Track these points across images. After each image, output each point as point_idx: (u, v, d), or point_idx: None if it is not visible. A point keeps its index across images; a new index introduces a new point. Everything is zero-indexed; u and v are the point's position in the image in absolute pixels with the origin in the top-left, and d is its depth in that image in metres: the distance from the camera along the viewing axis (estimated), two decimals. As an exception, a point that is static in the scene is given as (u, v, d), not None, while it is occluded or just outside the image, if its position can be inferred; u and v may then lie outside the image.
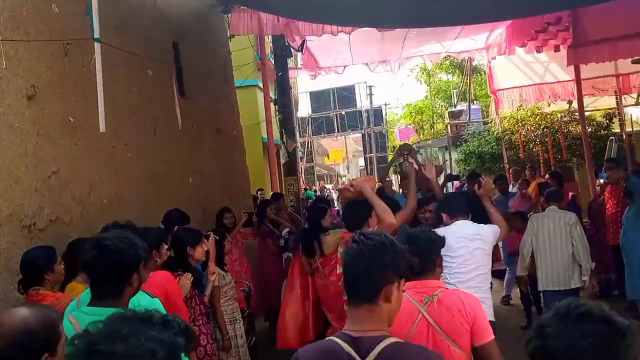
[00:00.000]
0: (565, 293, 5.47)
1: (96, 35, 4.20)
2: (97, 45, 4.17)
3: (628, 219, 6.02)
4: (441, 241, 3.00)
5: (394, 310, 1.98)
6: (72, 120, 4.59)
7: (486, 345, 2.70)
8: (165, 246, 3.20)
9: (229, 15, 8.61)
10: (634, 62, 6.31)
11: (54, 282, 3.50)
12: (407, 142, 8.68)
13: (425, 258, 2.82)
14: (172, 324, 1.34)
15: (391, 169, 13.02)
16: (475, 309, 2.74)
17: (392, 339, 1.89)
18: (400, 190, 8.25)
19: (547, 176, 9.46)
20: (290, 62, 11.92)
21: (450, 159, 19.56)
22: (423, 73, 27.58)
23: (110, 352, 1.25)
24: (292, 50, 10.38)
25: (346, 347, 1.86)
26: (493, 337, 2.74)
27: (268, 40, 11.11)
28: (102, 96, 4.25)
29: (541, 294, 6.21)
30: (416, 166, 6.07)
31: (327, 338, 2.00)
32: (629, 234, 5.96)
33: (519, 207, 8.40)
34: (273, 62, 11.21)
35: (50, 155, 4.31)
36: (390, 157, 27.01)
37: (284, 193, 10.28)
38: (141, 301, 2.83)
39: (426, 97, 29.25)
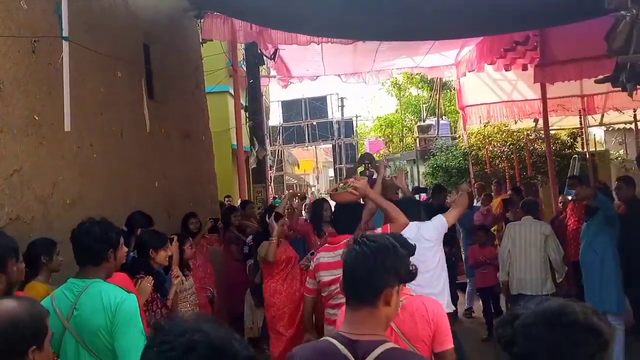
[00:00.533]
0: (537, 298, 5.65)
1: (65, 34, 4.16)
2: (65, 44, 4.13)
3: (589, 235, 6.14)
4: (412, 248, 3.02)
5: (392, 315, 2.00)
6: (37, 118, 4.52)
7: (444, 352, 2.74)
8: (125, 248, 3.20)
9: (202, 20, 8.60)
10: (596, 81, 6.47)
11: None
12: (369, 152, 8.83)
13: None
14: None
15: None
16: (438, 315, 2.78)
17: (390, 344, 1.90)
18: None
19: (509, 192, 9.65)
20: (263, 70, 11.93)
21: (418, 172, 19.78)
22: (394, 87, 27.88)
23: None
24: (265, 58, 10.40)
25: (343, 349, 1.87)
26: (452, 345, 2.78)
27: (240, 47, 11.11)
28: (69, 95, 4.20)
29: (510, 300, 6.51)
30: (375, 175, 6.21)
31: (323, 338, 2.01)
32: (590, 249, 6.08)
33: (483, 221, 8.55)
34: (245, 69, 11.21)
35: (12, 153, 4.24)
36: (360, 169, 27.21)
37: (252, 200, 10.26)
38: (117, 295, 2.84)
39: (396, 110, 29.55)
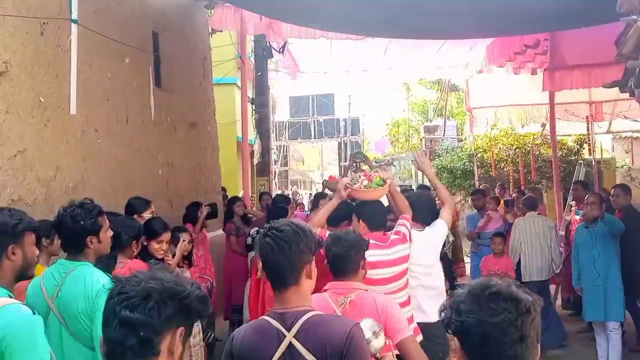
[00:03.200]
0: (541, 283, 6.85)
1: (74, 16, 4.17)
2: (74, 27, 4.14)
3: (592, 244, 6.10)
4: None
5: (313, 283, 2.21)
6: (42, 100, 4.53)
7: (402, 341, 2.79)
8: (111, 232, 3.18)
9: (212, 10, 8.59)
10: (605, 86, 6.44)
11: None
12: (360, 152, 8.85)
13: (348, 260, 2.92)
14: (197, 284, 1.57)
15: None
16: (387, 309, 2.85)
17: (314, 312, 2.11)
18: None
19: (513, 194, 9.61)
20: (271, 64, 11.91)
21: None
22: (402, 86, 27.81)
23: (144, 279, 1.49)
24: (273, 51, 10.38)
25: (274, 322, 2.08)
26: (410, 333, 2.85)
27: (249, 39, 11.10)
28: (75, 79, 4.21)
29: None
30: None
31: (259, 317, 2.22)
32: (595, 258, 6.07)
33: (495, 227, 8.32)
34: (253, 62, 11.20)
35: (17, 134, 4.25)
36: (365, 168, 27.14)
37: (253, 193, 10.27)
38: (100, 281, 2.84)
39: (404, 110, 29.50)
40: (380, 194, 4.10)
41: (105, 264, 3.23)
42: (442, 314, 1.60)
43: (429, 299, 4.07)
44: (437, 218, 4.40)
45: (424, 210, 4.38)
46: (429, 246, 4.21)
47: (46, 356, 2.23)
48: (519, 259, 6.97)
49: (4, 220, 2.46)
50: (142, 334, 1.42)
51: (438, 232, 4.30)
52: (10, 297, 2.40)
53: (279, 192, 16.91)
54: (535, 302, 1.53)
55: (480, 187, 11.89)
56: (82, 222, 2.92)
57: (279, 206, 6.50)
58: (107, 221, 3.11)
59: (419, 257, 4.08)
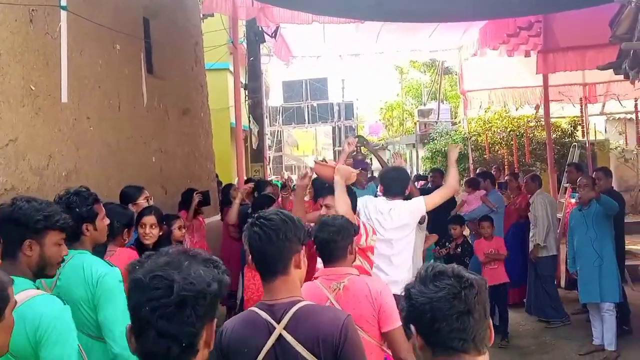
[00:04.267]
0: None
1: (63, 3, 4.12)
2: (63, 14, 4.09)
3: (587, 225, 6.15)
4: (353, 229, 3.05)
5: (303, 275, 2.21)
6: (33, 88, 4.49)
7: (392, 331, 2.81)
8: (107, 220, 3.19)
9: (203, -6, 8.49)
10: (599, 68, 6.45)
11: None
12: (361, 135, 8.79)
13: (335, 245, 2.90)
14: (217, 263, 1.49)
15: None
16: (382, 295, 2.85)
17: (304, 302, 2.09)
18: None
19: (506, 177, 9.65)
20: (264, 49, 11.84)
21: (417, 156, 19.77)
22: (396, 70, 27.75)
23: (170, 279, 1.37)
24: (266, 36, 10.32)
25: (263, 314, 2.06)
26: (399, 324, 2.82)
27: (241, 24, 11.02)
28: (66, 66, 4.18)
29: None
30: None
31: (248, 309, 2.19)
32: (589, 240, 6.12)
33: (470, 209, 8.44)
34: (245, 47, 11.13)
35: (8, 123, 4.21)
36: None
37: (252, 178, 10.23)
38: (99, 268, 2.84)
39: (398, 94, 29.44)
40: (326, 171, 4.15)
41: (95, 251, 3.21)
42: (401, 308, 1.66)
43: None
44: (407, 192, 4.52)
45: (393, 184, 4.47)
46: (393, 217, 4.27)
47: (76, 346, 2.30)
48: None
49: (25, 212, 2.40)
50: (184, 343, 1.40)
51: (409, 206, 4.35)
52: (38, 288, 2.43)
53: (273, 178, 16.86)
54: (479, 280, 1.60)
55: (478, 170, 11.94)
56: (77, 210, 2.92)
57: (265, 195, 6.48)
58: (103, 209, 3.11)
59: (380, 223, 4.19)
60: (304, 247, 2.19)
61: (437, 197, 4.43)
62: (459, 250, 6.85)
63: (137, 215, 4.29)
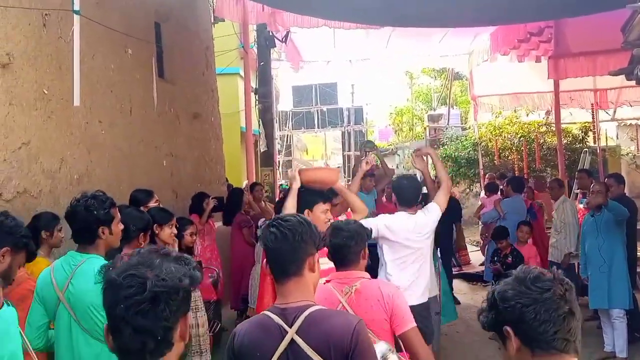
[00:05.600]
0: None
1: (76, 7, 4.15)
2: (76, 18, 4.12)
3: (598, 231, 6.08)
4: (365, 234, 3.04)
5: (317, 279, 2.21)
6: (46, 92, 4.53)
7: (406, 333, 2.78)
8: (122, 225, 3.21)
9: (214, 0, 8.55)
10: (611, 74, 6.41)
11: None
12: (371, 140, 8.72)
13: (347, 250, 2.90)
14: (188, 260, 1.52)
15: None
16: (393, 298, 2.83)
17: (316, 307, 2.08)
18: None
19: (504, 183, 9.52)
20: (274, 53, 11.87)
21: (427, 161, 19.69)
22: (406, 75, 27.71)
23: (143, 276, 1.41)
24: (276, 41, 10.35)
25: (276, 318, 2.06)
26: (414, 324, 2.82)
27: (252, 29, 11.06)
28: (79, 70, 4.20)
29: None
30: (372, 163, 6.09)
31: (261, 312, 2.17)
32: (599, 246, 6.06)
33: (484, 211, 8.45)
34: (256, 52, 11.16)
35: (21, 126, 4.26)
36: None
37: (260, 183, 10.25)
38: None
39: (407, 99, 29.40)
40: (327, 174, 4.15)
41: (110, 255, 3.21)
42: (481, 318, 1.65)
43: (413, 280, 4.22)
44: (420, 199, 4.58)
45: (407, 193, 4.49)
46: (420, 230, 4.30)
47: (17, 347, 2.32)
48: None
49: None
50: (159, 337, 1.43)
51: (431, 216, 4.38)
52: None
53: (282, 183, 16.84)
54: (574, 287, 1.62)
55: (487, 176, 11.89)
56: (95, 212, 2.93)
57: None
58: (119, 214, 3.13)
59: (410, 239, 4.22)
60: (318, 252, 2.19)
61: (443, 198, 4.52)
62: (510, 259, 6.73)
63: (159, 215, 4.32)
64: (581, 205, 6.36)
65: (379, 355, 2.39)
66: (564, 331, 1.56)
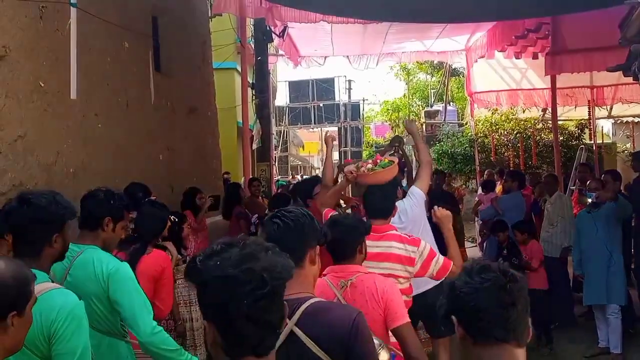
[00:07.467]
0: None
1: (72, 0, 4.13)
2: (73, 11, 4.10)
3: (597, 227, 6.07)
4: (364, 227, 3.04)
5: (317, 272, 2.24)
6: (42, 85, 4.50)
7: (399, 327, 2.78)
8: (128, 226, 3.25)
9: (212, -7, 8.50)
10: (608, 70, 6.41)
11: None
12: (399, 135, 8.66)
13: (344, 244, 2.90)
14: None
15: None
16: (387, 293, 2.84)
17: (316, 299, 2.10)
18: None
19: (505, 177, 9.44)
20: (271, 48, 11.83)
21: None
22: (403, 71, 27.66)
23: (260, 270, 1.41)
24: (273, 35, 10.30)
25: None
26: (408, 320, 2.82)
27: (249, 23, 11.01)
28: (75, 63, 4.18)
29: None
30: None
31: None
32: (599, 242, 6.06)
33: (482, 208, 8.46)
34: (253, 47, 11.12)
35: (17, 119, 4.23)
36: (365, 153, 27.00)
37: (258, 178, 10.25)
38: (109, 264, 2.87)
39: (404, 95, 29.35)
40: (387, 175, 3.90)
41: (136, 250, 3.53)
42: (438, 308, 1.72)
43: None
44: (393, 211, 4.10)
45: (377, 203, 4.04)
46: (409, 215, 4.26)
47: (88, 341, 2.33)
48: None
49: (52, 210, 2.45)
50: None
51: (414, 199, 4.34)
52: (53, 281, 2.48)
53: (278, 179, 16.85)
54: (522, 277, 1.67)
55: (486, 173, 11.89)
56: (110, 202, 2.97)
57: (282, 194, 6.53)
58: (129, 220, 3.15)
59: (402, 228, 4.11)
60: (318, 246, 2.21)
61: (424, 179, 4.46)
62: (505, 252, 6.70)
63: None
64: (589, 199, 6.18)
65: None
66: (503, 321, 1.60)
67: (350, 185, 4.46)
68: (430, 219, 4.19)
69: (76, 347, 2.25)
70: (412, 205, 4.33)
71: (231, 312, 1.39)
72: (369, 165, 3.95)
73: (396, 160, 4.08)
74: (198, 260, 1.44)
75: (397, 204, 3.98)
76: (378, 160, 4.02)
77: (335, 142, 29.52)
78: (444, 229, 3.66)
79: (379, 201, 3.74)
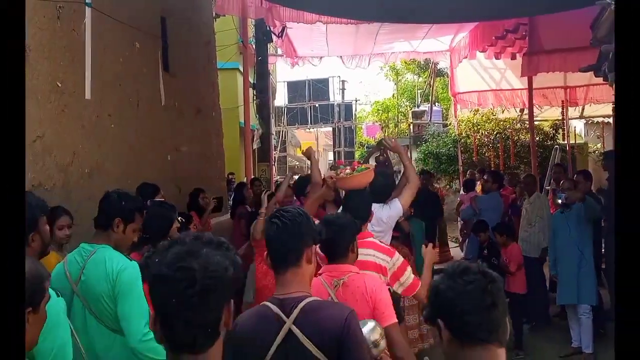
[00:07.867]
0: None
1: (88, -1, 3.98)
2: (87, 10, 3.94)
3: (568, 227, 5.89)
4: (355, 227, 2.95)
5: (313, 271, 2.22)
6: (60, 85, 4.30)
7: (386, 328, 2.68)
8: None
9: (216, -6, 8.26)
10: (580, 70, 6.27)
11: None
12: (382, 137, 8.48)
13: (337, 243, 2.81)
14: (228, 246, 1.42)
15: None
16: (376, 292, 2.75)
17: (312, 298, 2.09)
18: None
19: (485, 176, 9.22)
20: (270, 48, 11.61)
21: (411, 157, 19.53)
22: (392, 71, 27.42)
23: (192, 269, 1.31)
24: (273, 35, 10.10)
25: (274, 308, 2.06)
26: (395, 320, 2.74)
27: (251, 24, 10.81)
28: (90, 62, 4.04)
29: None
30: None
31: (261, 303, 2.16)
32: (570, 242, 5.86)
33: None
34: (254, 47, 10.91)
35: (35, 119, 4.02)
36: (357, 153, 26.73)
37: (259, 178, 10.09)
38: (119, 263, 2.75)
39: (393, 95, 29.13)
40: (364, 179, 3.77)
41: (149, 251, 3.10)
42: (424, 312, 1.68)
43: None
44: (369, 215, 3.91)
45: (380, 190, 4.13)
46: (383, 224, 4.09)
47: (67, 337, 2.20)
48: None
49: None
50: (209, 329, 1.37)
51: (390, 211, 4.13)
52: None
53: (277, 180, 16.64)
54: (499, 277, 1.63)
55: (469, 173, 11.77)
56: (122, 203, 2.86)
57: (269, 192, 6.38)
58: (139, 224, 3.00)
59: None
60: (315, 245, 2.20)
61: (408, 199, 4.26)
62: (485, 252, 6.54)
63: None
64: (559, 200, 6.03)
65: (366, 333, 2.34)
66: (487, 322, 1.56)
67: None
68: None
69: (50, 349, 2.10)
70: (388, 216, 4.15)
71: (164, 310, 1.34)
72: (347, 170, 3.85)
73: (372, 166, 3.97)
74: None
75: (374, 209, 3.81)
76: (356, 166, 3.92)
77: (330, 143, 29.34)
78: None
79: (358, 205, 3.62)
